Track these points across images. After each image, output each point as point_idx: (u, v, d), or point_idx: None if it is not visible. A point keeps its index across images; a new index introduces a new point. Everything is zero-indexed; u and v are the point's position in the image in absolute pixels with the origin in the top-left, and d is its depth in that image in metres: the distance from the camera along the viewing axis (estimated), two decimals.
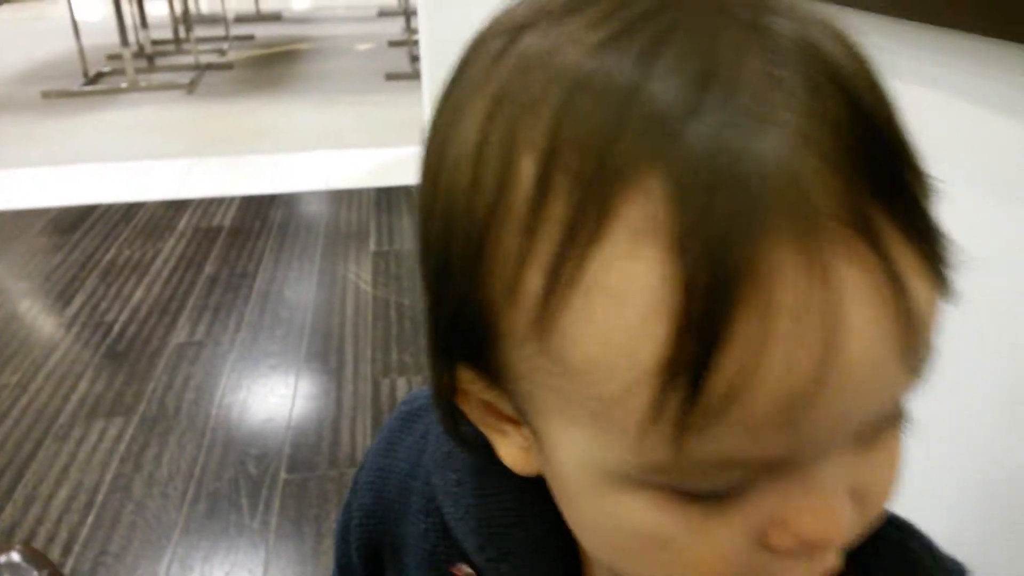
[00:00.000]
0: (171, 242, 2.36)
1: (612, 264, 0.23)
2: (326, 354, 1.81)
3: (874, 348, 0.23)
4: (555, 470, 0.30)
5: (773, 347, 0.22)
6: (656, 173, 0.23)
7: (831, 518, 0.26)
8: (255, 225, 2.49)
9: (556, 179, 0.24)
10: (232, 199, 2.68)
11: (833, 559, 0.29)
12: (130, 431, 1.54)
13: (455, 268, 0.28)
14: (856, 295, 0.23)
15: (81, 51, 4.34)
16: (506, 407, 0.31)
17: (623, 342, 0.23)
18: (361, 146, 3.25)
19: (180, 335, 1.88)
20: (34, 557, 1.19)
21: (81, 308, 2.00)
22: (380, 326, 1.93)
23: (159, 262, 2.23)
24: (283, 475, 1.44)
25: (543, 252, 0.25)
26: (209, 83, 4.44)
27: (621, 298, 0.23)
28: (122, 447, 1.50)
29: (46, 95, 4.13)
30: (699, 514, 0.26)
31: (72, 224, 2.50)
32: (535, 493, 0.36)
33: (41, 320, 1.97)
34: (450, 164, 0.28)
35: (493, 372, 0.30)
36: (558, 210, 0.24)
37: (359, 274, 2.17)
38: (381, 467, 0.45)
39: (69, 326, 1.92)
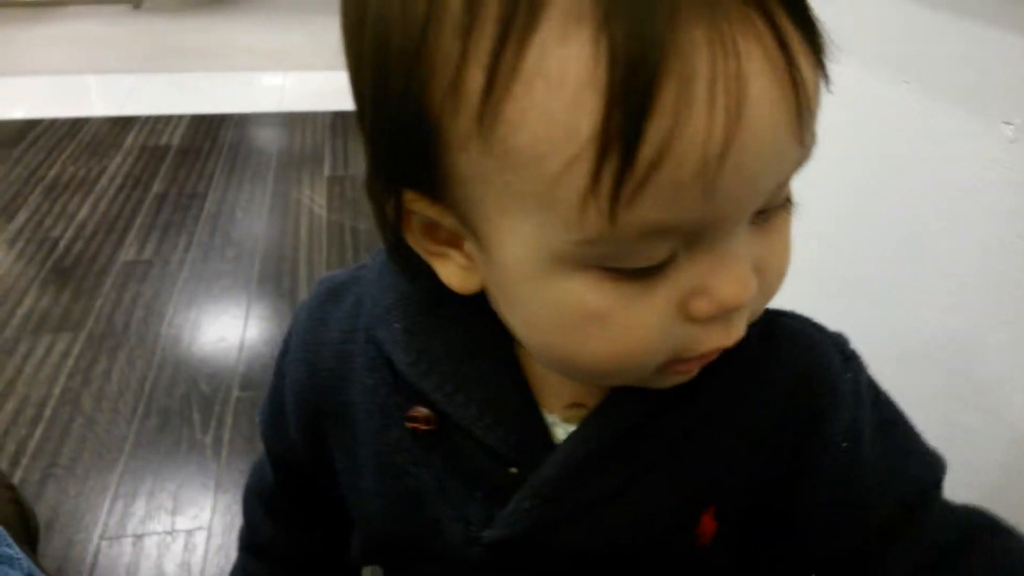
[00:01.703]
0: (117, 159, 2.29)
1: (547, 50, 0.26)
2: (279, 276, 1.80)
3: (773, 113, 0.27)
4: (499, 271, 0.33)
5: (692, 112, 0.25)
6: None
7: (743, 284, 0.31)
8: (205, 145, 2.43)
9: None
10: (181, 117, 2.61)
11: (742, 327, 0.33)
12: (78, 347, 1.52)
13: (394, 84, 0.30)
14: (757, 66, 0.26)
15: None
16: (449, 222, 0.33)
17: (562, 119, 0.26)
18: (316, 68, 3.17)
19: (128, 253, 1.84)
20: None
21: (25, 223, 1.94)
22: (334, 251, 1.91)
23: (105, 179, 2.17)
24: (236, 392, 1.44)
25: (482, 49, 0.27)
26: None
27: (558, 79, 0.26)
28: (70, 362, 1.48)
29: None
30: (631, 290, 0.30)
31: (14, 138, 2.40)
32: (481, 328, 0.38)
33: None
34: None
35: (437, 187, 0.31)
36: (492, 7, 0.26)
37: (313, 198, 2.14)
38: (311, 342, 0.46)
39: (12, 241, 1.87)
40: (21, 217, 1.97)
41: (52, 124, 2.51)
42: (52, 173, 2.19)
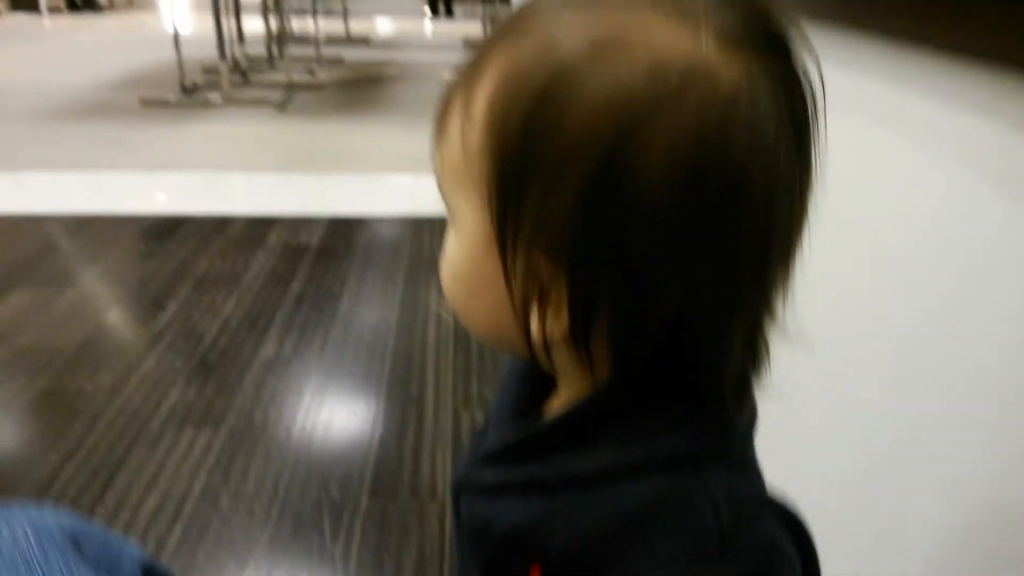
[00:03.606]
0: (261, 257, 2.41)
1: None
2: (407, 380, 1.82)
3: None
4: None
5: None
6: None
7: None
8: (341, 246, 2.53)
9: None
10: (320, 219, 2.73)
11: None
12: (218, 443, 1.56)
13: None
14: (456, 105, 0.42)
15: (180, 62, 4.49)
16: None
17: None
18: None
19: (268, 350, 1.90)
20: None
21: (174, 316, 2.04)
22: (461, 357, 1.93)
23: (249, 276, 2.27)
24: (365, 501, 1.44)
25: None
26: (299, 101, 4.55)
27: None
28: (211, 458, 1.52)
29: (144, 103, 4.28)
30: None
31: (167, 232, 2.56)
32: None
33: (135, 326, 2.02)
34: None
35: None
36: None
37: (441, 303, 2.18)
38: None
39: (162, 333, 1.96)
40: (170, 310, 2.07)
41: (203, 219, 2.67)
42: (200, 268, 2.32)
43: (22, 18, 8.07)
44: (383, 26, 8.34)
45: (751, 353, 0.42)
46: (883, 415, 0.75)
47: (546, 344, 0.41)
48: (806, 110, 0.38)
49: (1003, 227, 0.58)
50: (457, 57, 6.20)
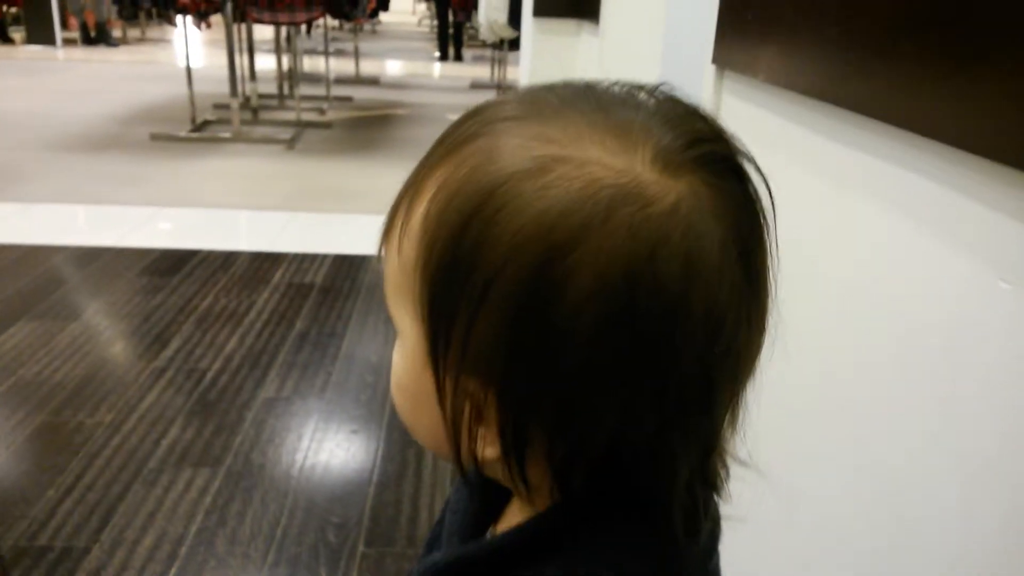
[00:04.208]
0: (265, 294, 2.41)
1: None
2: None
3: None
4: None
5: None
6: None
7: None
8: (345, 285, 2.54)
9: None
10: (325, 257, 2.74)
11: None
12: (216, 484, 1.55)
13: None
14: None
15: (192, 99, 4.55)
16: None
17: None
18: None
19: (269, 390, 1.90)
20: None
21: (176, 353, 2.04)
22: None
23: (253, 314, 2.28)
24: (361, 548, 1.42)
25: None
26: (308, 140, 4.59)
27: None
28: (208, 499, 1.51)
29: (154, 137, 4.33)
30: None
31: (172, 267, 2.57)
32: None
33: (137, 361, 2.02)
34: None
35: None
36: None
37: None
38: None
39: (164, 370, 1.96)
40: (173, 346, 2.08)
41: (208, 256, 2.68)
42: (205, 304, 2.32)
43: (37, 50, 8.19)
44: (392, 67, 8.45)
45: (703, 478, 0.40)
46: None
47: (482, 463, 0.39)
48: (754, 231, 0.36)
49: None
50: (465, 99, 6.27)
